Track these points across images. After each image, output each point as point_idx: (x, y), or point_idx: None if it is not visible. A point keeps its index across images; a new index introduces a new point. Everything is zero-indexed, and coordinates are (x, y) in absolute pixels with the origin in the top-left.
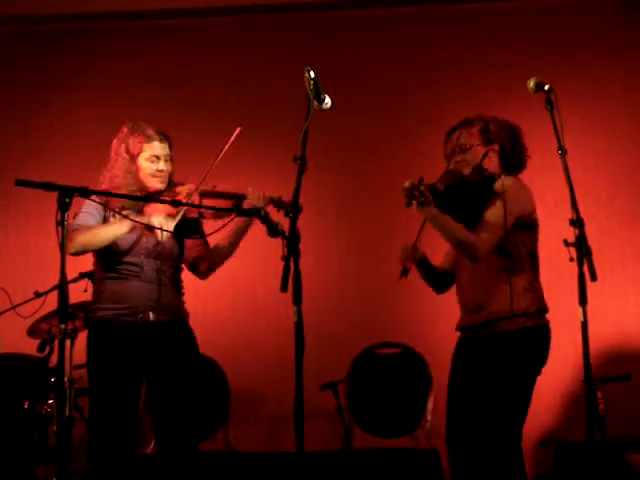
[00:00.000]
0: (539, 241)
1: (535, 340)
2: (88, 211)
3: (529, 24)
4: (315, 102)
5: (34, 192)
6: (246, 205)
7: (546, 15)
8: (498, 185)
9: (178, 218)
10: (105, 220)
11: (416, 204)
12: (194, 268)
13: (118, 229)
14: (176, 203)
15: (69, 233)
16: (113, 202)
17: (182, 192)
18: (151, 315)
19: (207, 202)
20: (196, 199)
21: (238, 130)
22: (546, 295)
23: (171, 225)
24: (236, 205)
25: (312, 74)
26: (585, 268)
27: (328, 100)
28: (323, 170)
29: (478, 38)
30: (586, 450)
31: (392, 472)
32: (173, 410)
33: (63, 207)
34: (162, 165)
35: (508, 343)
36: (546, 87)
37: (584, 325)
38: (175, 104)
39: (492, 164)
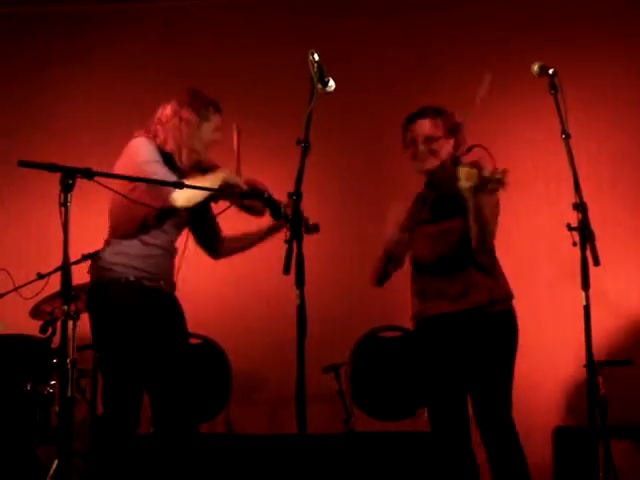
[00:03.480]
0: (541, 225)
1: (515, 320)
2: (158, 160)
3: (532, 9)
4: (319, 85)
5: (37, 173)
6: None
7: (548, 0)
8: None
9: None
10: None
11: (475, 192)
12: (213, 247)
13: (212, 184)
14: (208, 189)
15: (165, 190)
16: (171, 145)
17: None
18: (163, 284)
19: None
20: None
21: (236, 131)
22: (549, 280)
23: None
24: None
25: (316, 57)
26: (588, 253)
27: (332, 83)
28: (326, 153)
29: (482, 22)
30: (587, 435)
31: (393, 455)
32: (170, 389)
33: (66, 188)
34: (219, 137)
35: (500, 322)
36: (550, 71)
37: (586, 309)
38: (177, 87)
39: (446, 154)
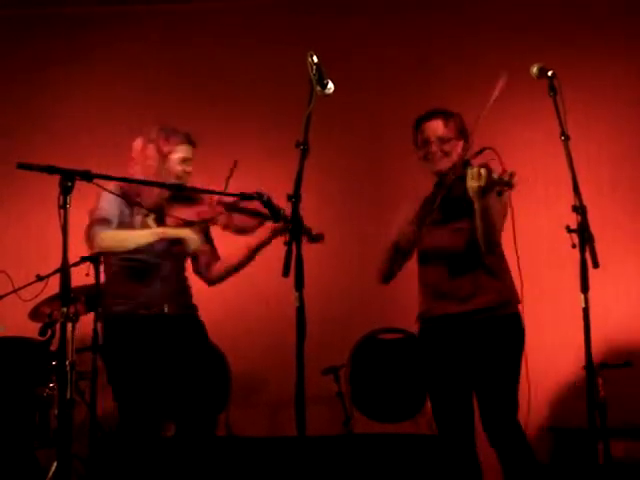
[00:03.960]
0: (541, 227)
1: (521, 324)
2: (108, 206)
3: (532, 10)
4: (318, 87)
5: (36, 175)
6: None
7: (548, 1)
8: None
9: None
10: (122, 214)
11: (483, 193)
12: (204, 273)
13: (146, 239)
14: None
15: (95, 231)
16: (131, 196)
17: (205, 202)
18: (166, 308)
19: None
20: (220, 210)
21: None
22: (548, 282)
23: (197, 240)
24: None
25: (315, 59)
26: (587, 255)
27: (331, 85)
28: (326, 154)
29: (479, 24)
30: (586, 436)
31: (393, 457)
32: (190, 400)
33: (65, 190)
34: (189, 168)
35: (507, 325)
36: (549, 73)
37: (585, 312)
38: (176, 89)
39: (456, 156)
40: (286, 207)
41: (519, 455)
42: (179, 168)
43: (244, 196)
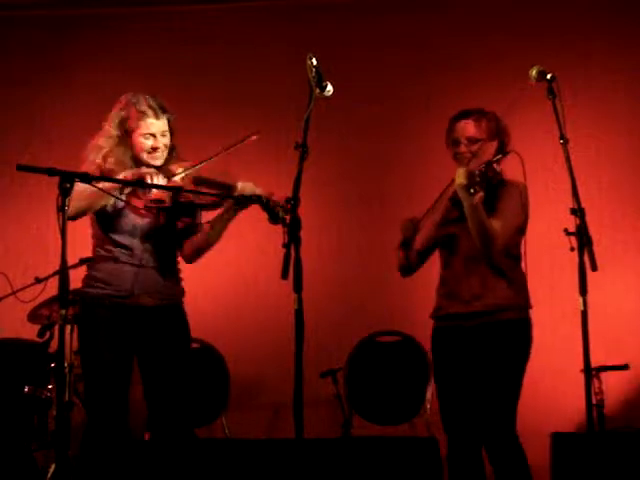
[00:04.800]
0: (539, 230)
1: (529, 330)
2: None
3: (529, 11)
4: (317, 89)
5: (35, 177)
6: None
7: (546, 2)
8: (515, 187)
9: (176, 178)
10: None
11: (468, 196)
12: (180, 250)
13: (105, 185)
14: (172, 189)
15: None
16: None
17: (176, 172)
18: (141, 298)
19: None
20: (190, 185)
21: (254, 137)
22: (546, 285)
23: (162, 181)
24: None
25: (314, 61)
26: (586, 258)
27: (330, 87)
28: (325, 158)
29: (478, 25)
30: (585, 441)
31: (391, 460)
32: (164, 396)
33: (64, 192)
34: (158, 142)
35: (512, 331)
36: (548, 76)
37: (584, 315)
38: (176, 90)
39: (488, 157)
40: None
41: (512, 471)
42: (144, 143)
43: (240, 200)
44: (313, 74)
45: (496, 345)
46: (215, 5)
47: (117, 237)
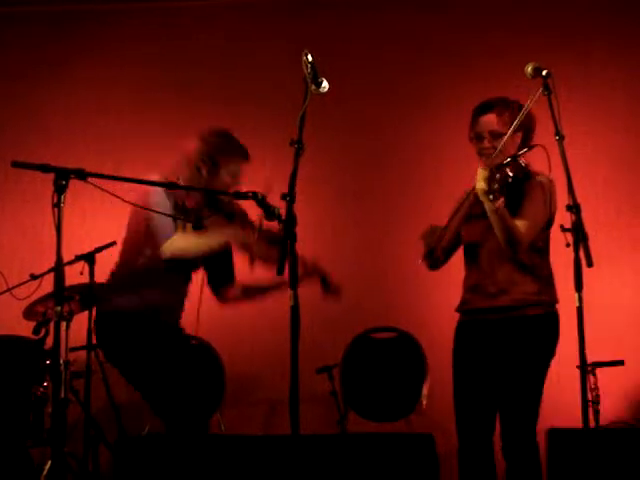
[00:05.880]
0: None
1: (555, 326)
2: (161, 206)
3: (527, 8)
4: (312, 85)
5: (31, 173)
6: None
7: (545, 2)
8: (541, 182)
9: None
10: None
11: (488, 197)
12: (222, 289)
13: (217, 243)
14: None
15: (162, 239)
16: (178, 197)
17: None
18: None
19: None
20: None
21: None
22: None
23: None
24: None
25: (310, 57)
26: (581, 254)
27: (325, 84)
28: (320, 154)
29: (476, 22)
30: (580, 436)
31: (386, 456)
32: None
33: (59, 189)
34: (238, 184)
35: (535, 327)
36: (544, 72)
37: (579, 311)
38: (174, 86)
39: (513, 150)
40: (281, 206)
41: (526, 469)
42: (229, 182)
43: (238, 195)
44: (309, 70)
45: (521, 340)
46: (212, 1)
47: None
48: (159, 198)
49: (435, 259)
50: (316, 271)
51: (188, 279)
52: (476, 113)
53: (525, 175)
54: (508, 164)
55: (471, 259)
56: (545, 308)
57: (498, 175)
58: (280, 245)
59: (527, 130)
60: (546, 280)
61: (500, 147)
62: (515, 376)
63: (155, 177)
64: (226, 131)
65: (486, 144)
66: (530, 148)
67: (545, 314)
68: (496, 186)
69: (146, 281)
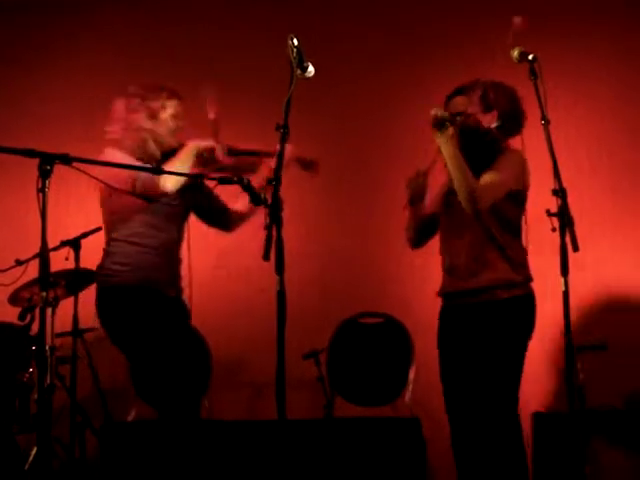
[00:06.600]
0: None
1: (529, 307)
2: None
3: None
4: (298, 70)
5: (15, 158)
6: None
7: None
8: (510, 152)
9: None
10: None
11: (439, 133)
12: (224, 222)
13: (188, 157)
14: (195, 176)
15: (154, 178)
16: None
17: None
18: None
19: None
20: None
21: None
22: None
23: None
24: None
25: (295, 42)
26: (567, 238)
27: (311, 68)
28: (306, 139)
29: (463, 6)
30: (565, 420)
31: (373, 440)
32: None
33: (44, 174)
34: (181, 123)
35: (508, 310)
36: (530, 57)
37: (565, 295)
38: (160, 73)
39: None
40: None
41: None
42: (172, 124)
43: (223, 180)
44: (294, 55)
45: (494, 324)
46: None
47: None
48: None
49: (417, 228)
50: (292, 158)
51: (180, 238)
52: (447, 99)
53: (499, 148)
54: (460, 114)
55: (445, 238)
56: (516, 290)
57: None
58: (266, 230)
59: (506, 114)
60: (518, 261)
61: (464, 114)
62: (490, 360)
63: (112, 152)
64: (143, 81)
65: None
66: (500, 127)
67: (516, 296)
68: (448, 116)
69: (143, 251)
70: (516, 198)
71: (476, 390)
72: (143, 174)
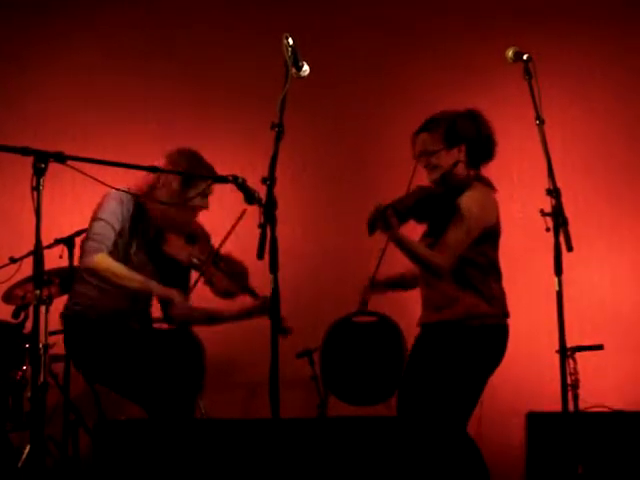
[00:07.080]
0: (515, 210)
1: (499, 338)
2: (111, 218)
3: None
4: (293, 69)
5: (9, 156)
6: None
7: None
8: (464, 201)
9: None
10: (124, 220)
11: (385, 232)
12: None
13: (137, 287)
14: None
15: (93, 248)
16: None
17: (202, 241)
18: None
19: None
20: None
21: (244, 212)
22: (522, 265)
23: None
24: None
25: (290, 41)
26: (561, 238)
27: (306, 67)
28: (301, 138)
29: (462, 6)
30: (559, 420)
31: (366, 440)
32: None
33: (38, 172)
34: (207, 201)
35: (475, 337)
36: (524, 57)
37: (559, 295)
38: (151, 73)
39: (460, 165)
40: (261, 190)
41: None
42: (196, 203)
43: (218, 178)
44: (289, 54)
45: (456, 347)
46: None
47: None
48: (115, 206)
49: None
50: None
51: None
52: (413, 135)
53: (449, 190)
54: (387, 207)
55: (420, 276)
56: (488, 320)
57: (385, 208)
58: (260, 229)
59: (471, 142)
60: (489, 294)
61: (433, 164)
62: (443, 379)
63: (115, 196)
64: (193, 152)
65: (423, 163)
66: (455, 164)
67: (485, 325)
68: (381, 219)
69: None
70: (489, 236)
71: (424, 405)
72: (106, 229)
